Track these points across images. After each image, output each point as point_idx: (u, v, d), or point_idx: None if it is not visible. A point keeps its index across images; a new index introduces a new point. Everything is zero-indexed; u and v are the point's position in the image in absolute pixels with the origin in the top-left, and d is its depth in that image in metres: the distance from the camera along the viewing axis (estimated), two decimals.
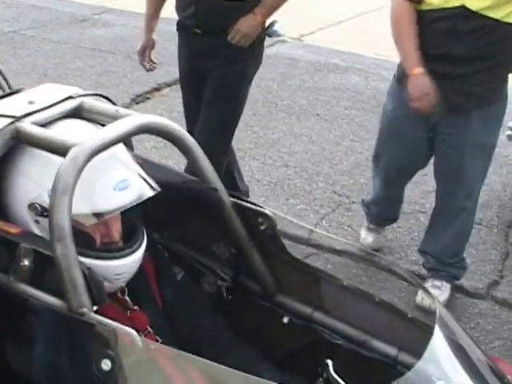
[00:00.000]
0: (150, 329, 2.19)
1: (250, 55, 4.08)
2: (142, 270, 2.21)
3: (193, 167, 2.33)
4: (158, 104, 6.37)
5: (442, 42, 3.57)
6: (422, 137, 3.83)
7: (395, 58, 3.85)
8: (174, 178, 2.44)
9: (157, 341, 2.14)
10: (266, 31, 4.20)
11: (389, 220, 4.50)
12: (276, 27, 4.12)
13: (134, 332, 1.77)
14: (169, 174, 2.46)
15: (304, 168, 5.44)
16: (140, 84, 6.83)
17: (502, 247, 4.63)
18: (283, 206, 4.85)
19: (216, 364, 1.74)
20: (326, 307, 2.40)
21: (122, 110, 2.23)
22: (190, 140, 2.27)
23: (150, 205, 2.20)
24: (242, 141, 5.48)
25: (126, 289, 2.18)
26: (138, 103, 6.49)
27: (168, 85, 6.92)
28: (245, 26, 3.92)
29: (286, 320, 2.45)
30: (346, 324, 2.36)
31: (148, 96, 6.69)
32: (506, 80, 3.73)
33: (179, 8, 4.08)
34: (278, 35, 4.04)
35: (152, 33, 4.30)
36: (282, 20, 6.41)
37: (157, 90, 6.83)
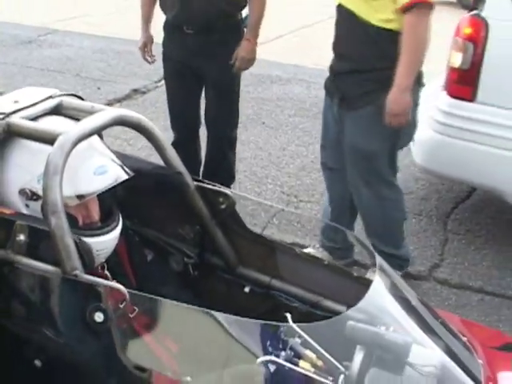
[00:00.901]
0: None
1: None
2: (116, 251, 2.48)
3: (160, 155, 2.62)
4: None
5: (337, 39, 3.86)
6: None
7: None
8: (143, 166, 2.71)
9: (134, 311, 2.32)
10: (244, 24, 4.55)
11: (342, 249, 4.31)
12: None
13: (122, 287, 2.05)
14: (137, 162, 2.72)
15: (253, 172, 5.73)
16: (90, 101, 6.96)
17: (442, 234, 4.95)
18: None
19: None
20: (282, 275, 2.69)
21: (98, 106, 2.52)
22: (157, 131, 2.57)
23: (122, 194, 2.47)
24: None
25: (105, 264, 2.43)
26: None
27: (118, 100, 7.17)
28: (245, 52, 4.45)
29: (247, 289, 2.74)
30: (301, 288, 2.66)
31: None
32: (387, 86, 3.56)
33: (165, 7, 4.44)
34: None
35: (149, 30, 4.74)
36: None
37: (108, 106, 7.00)
